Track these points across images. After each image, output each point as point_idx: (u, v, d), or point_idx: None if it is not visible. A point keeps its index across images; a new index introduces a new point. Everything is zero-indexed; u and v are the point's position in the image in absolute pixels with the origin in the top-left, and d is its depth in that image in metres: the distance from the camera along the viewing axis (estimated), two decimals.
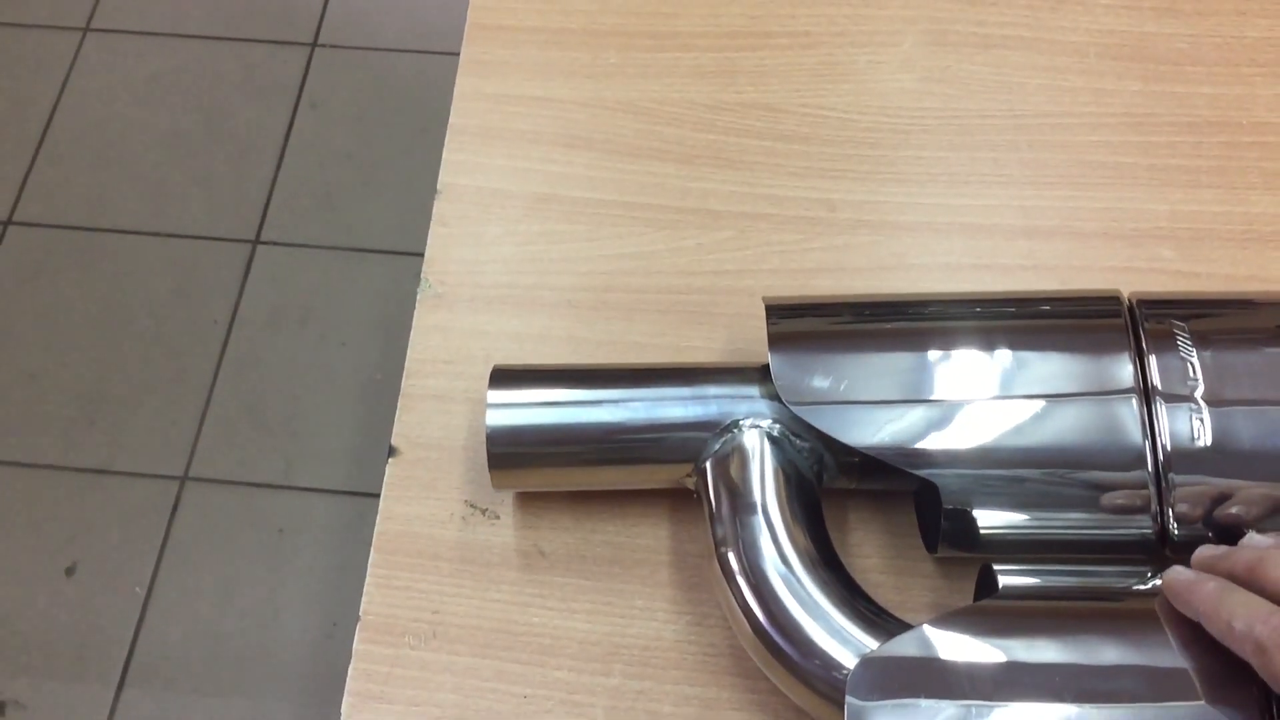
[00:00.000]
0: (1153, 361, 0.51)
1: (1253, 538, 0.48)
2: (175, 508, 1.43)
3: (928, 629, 0.47)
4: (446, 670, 0.54)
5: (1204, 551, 0.47)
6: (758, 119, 0.68)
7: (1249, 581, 0.44)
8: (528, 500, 0.58)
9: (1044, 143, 0.66)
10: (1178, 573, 0.46)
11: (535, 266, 0.64)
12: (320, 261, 1.58)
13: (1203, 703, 0.44)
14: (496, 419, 0.53)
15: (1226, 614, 0.43)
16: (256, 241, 1.60)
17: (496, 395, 0.54)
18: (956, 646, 0.47)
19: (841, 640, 0.48)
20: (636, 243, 0.64)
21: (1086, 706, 0.45)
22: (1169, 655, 0.45)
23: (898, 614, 0.54)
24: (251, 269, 1.58)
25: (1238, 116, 0.65)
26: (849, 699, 0.46)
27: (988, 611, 0.48)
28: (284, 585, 1.38)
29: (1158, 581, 0.49)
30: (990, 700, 0.45)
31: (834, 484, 0.55)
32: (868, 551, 0.56)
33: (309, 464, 1.44)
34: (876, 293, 0.56)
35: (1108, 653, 0.46)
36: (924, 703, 0.45)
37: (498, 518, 0.58)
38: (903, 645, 0.47)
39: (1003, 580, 0.49)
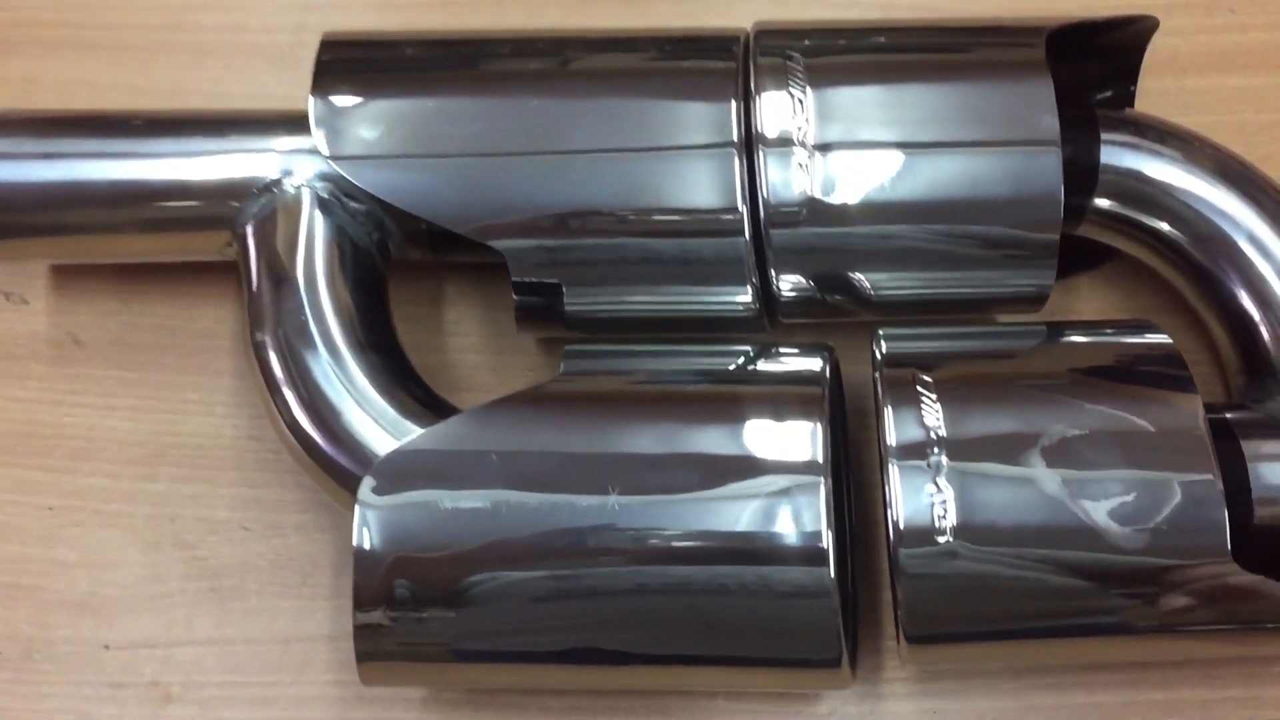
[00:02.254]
0: (760, 102, 0.43)
1: None
2: None
3: (469, 416, 0.41)
4: None
5: None
6: None
7: None
8: (63, 280, 0.49)
9: None
10: None
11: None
12: None
13: (770, 490, 0.39)
14: None
15: None
16: None
17: None
18: (498, 435, 0.40)
19: (381, 429, 0.42)
20: None
21: (633, 498, 0.39)
22: (737, 442, 0.40)
23: (494, 397, 0.48)
24: None
25: None
26: (361, 492, 0.39)
27: (543, 397, 0.42)
28: None
29: (767, 365, 0.43)
30: (526, 492, 0.39)
31: (406, 256, 0.47)
32: (464, 330, 0.50)
33: None
34: (457, 28, 0.47)
35: (666, 440, 0.40)
36: (446, 496, 0.39)
37: (26, 302, 0.49)
38: (437, 435, 0.41)
39: (566, 364, 0.43)
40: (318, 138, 0.43)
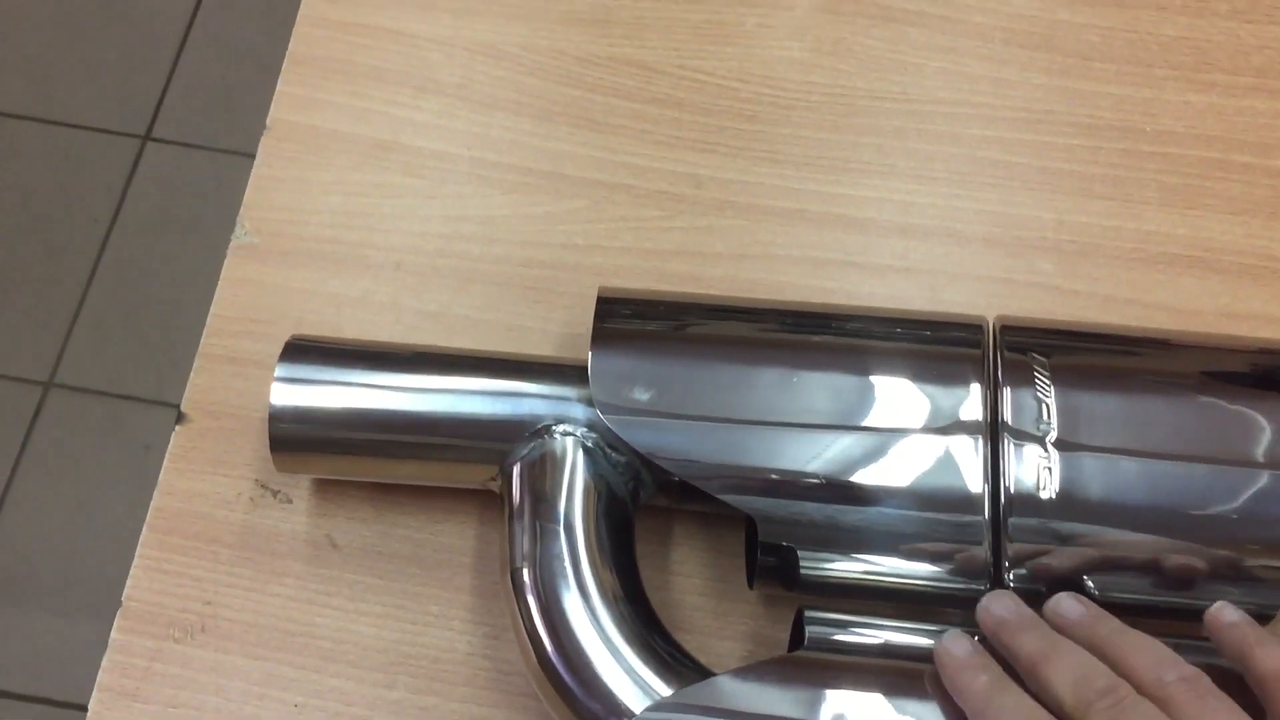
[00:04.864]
0: (1006, 395, 0.46)
1: (1060, 604, 0.44)
2: (37, 414, 1.36)
3: (719, 682, 0.43)
4: (212, 670, 0.49)
5: (996, 609, 0.43)
6: (630, 77, 0.62)
7: (1029, 674, 0.41)
8: (325, 484, 0.53)
9: (934, 133, 0.61)
10: (950, 648, 0.42)
11: (364, 222, 0.58)
12: (214, 165, 1.49)
13: None
14: (283, 397, 0.48)
15: (993, 718, 0.39)
16: (147, 137, 1.51)
17: (287, 369, 0.49)
18: (748, 703, 0.43)
19: (631, 682, 0.44)
20: (480, 204, 0.59)
21: None
22: None
23: (713, 642, 0.51)
24: (139, 166, 1.49)
25: (1141, 123, 0.60)
26: None
27: (787, 665, 0.44)
28: (147, 506, 1.31)
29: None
30: None
31: (652, 501, 0.50)
32: (690, 571, 0.52)
33: (184, 380, 1.37)
34: (723, 295, 0.51)
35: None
36: None
37: (290, 501, 0.52)
38: (688, 699, 0.43)
39: (810, 630, 0.45)
40: (595, 392, 0.47)
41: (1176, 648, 0.43)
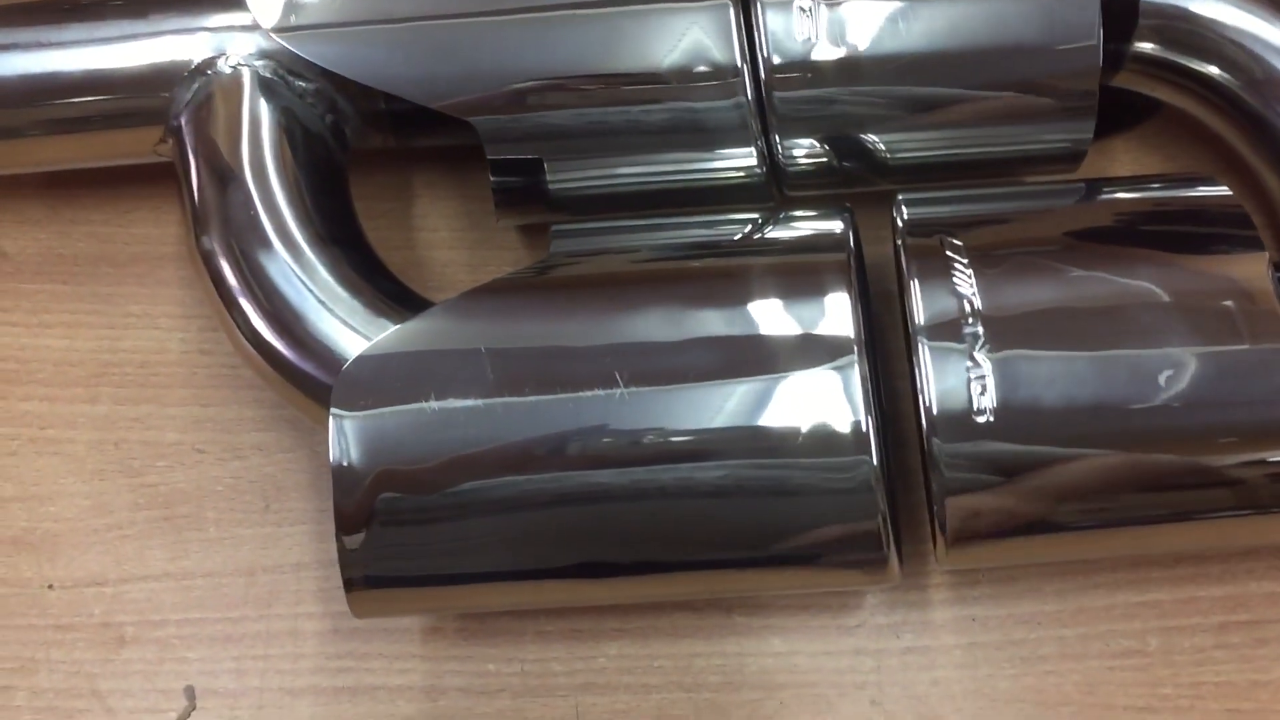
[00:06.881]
0: None
1: None
2: None
3: (448, 308, 0.37)
4: None
5: None
6: None
7: None
8: None
9: None
10: None
11: None
12: None
13: (797, 372, 0.34)
14: None
15: None
16: None
17: None
18: (484, 327, 0.36)
19: (349, 329, 0.37)
20: None
21: (644, 389, 0.34)
22: (757, 320, 0.35)
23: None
24: None
25: None
26: (333, 402, 0.35)
27: (531, 282, 0.37)
28: None
29: (781, 232, 0.38)
30: (521, 389, 0.34)
31: (366, 142, 0.42)
32: (436, 225, 0.45)
33: None
34: None
35: (676, 322, 0.35)
36: (431, 398, 0.35)
37: None
38: (415, 331, 0.36)
39: (556, 244, 0.38)
40: (255, 8, 0.38)
41: None
